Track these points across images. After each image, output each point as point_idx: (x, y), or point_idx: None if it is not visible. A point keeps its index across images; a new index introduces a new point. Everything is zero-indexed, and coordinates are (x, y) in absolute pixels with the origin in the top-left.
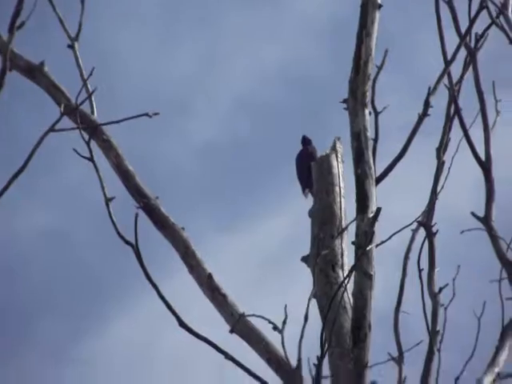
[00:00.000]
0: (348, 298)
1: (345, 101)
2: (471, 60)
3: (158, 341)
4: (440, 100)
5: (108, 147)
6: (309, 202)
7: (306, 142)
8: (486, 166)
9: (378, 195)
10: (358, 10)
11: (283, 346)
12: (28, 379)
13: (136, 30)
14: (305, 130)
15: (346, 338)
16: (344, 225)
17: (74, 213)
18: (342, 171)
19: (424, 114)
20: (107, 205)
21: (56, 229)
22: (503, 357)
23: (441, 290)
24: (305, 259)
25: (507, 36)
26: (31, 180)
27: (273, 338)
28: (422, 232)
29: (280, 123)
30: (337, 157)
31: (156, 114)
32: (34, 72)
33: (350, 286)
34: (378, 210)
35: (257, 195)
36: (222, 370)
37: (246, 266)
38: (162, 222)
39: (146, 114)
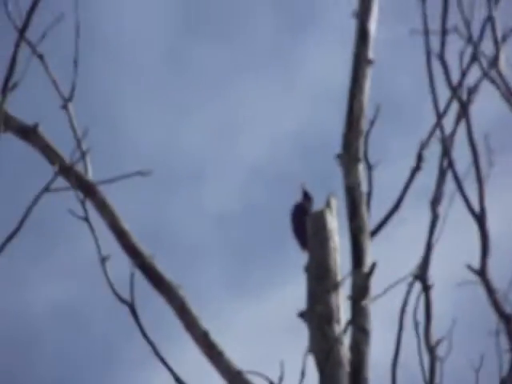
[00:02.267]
0: (345, 353)
1: (338, 156)
2: (464, 113)
3: None
4: (433, 153)
5: (103, 206)
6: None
7: (305, 195)
8: (480, 218)
9: (372, 249)
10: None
11: None
12: None
13: (141, 91)
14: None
15: None
16: (339, 279)
17: (88, 284)
18: (337, 226)
19: (417, 168)
20: (103, 263)
21: (68, 302)
22: None
23: (438, 343)
24: (301, 315)
25: (499, 89)
26: (44, 251)
27: None
28: (417, 285)
29: (295, 191)
30: (331, 212)
31: (149, 172)
32: (28, 133)
33: (347, 342)
34: (374, 264)
35: (272, 263)
36: None
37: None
38: (157, 280)
39: (140, 173)
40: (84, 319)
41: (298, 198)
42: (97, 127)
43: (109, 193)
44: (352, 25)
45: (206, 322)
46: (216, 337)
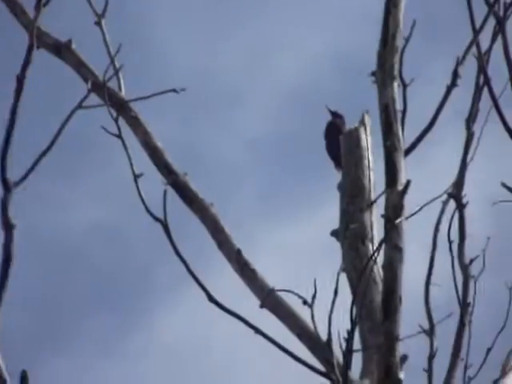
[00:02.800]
0: (378, 271)
1: (373, 73)
2: (500, 29)
3: (207, 333)
4: (469, 70)
5: (136, 124)
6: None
7: (334, 115)
8: None
9: (407, 167)
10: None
11: (313, 321)
12: (77, 372)
13: (176, 10)
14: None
15: (376, 311)
16: (373, 198)
17: (126, 206)
18: (371, 144)
19: (452, 85)
20: (135, 181)
21: (107, 223)
22: None
23: (471, 261)
24: (334, 233)
25: None
26: (81, 174)
27: (303, 312)
28: (452, 204)
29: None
30: (365, 130)
31: (183, 89)
32: (61, 50)
33: (380, 260)
34: (408, 182)
35: (304, 190)
36: (276, 362)
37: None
38: (190, 198)
39: (174, 90)
40: (122, 239)
41: (329, 117)
42: (131, 45)
43: (144, 111)
44: None
45: (240, 242)
46: (249, 256)
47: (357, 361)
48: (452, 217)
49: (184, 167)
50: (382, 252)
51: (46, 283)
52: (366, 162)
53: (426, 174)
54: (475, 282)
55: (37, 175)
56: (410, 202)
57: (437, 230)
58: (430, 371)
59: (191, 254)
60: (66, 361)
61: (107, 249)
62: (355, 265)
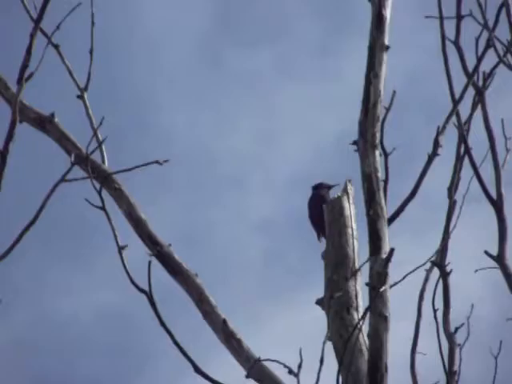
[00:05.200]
0: (364, 340)
1: (355, 143)
2: (479, 99)
3: None
4: (450, 139)
5: (120, 196)
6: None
7: (316, 187)
8: (497, 204)
9: (390, 236)
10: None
11: None
12: None
13: (175, 91)
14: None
15: (362, 380)
16: (357, 266)
17: (133, 291)
18: (354, 213)
19: (434, 154)
20: (120, 253)
21: (115, 308)
22: None
23: (456, 329)
24: (319, 302)
25: None
26: (90, 259)
27: (289, 382)
28: (435, 272)
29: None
30: (348, 199)
31: (166, 161)
32: (44, 123)
33: (366, 329)
34: (392, 250)
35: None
36: None
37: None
38: (175, 269)
39: (157, 162)
40: (129, 322)
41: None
42: (134, 125)
43: (145, 189)
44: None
45: (242, 320)
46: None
47: None
48: (436, 285)
49: (188, 250)
50: (367, 320)
51: (55, 368)
52: (350, 230)
53: (410, 242)
54: (460, 350)
55: (45, 261)
56: (394, 270)
57: (421, 297)
58: None
59: (177, 325)
60: None
61: (116, 334)
62: (341, 334)
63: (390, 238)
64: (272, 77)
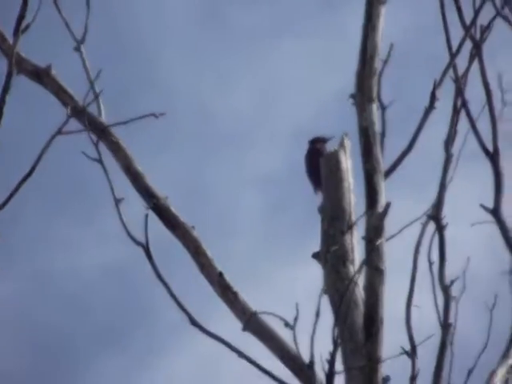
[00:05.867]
0: (359, 293)
1: (352, 96)
2: (477, 52)
3: (214, 373)
4: (446, 93)
5: (117, 149)
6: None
7: (312, 142)
8: (493, 157)
9: (386, 190)
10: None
11: (295, 343)
12: None
13: (175, 48)
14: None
15: (358, 333)
16: (354, 220)
17: (135, 247)
18: (351, 167)
19: (430, 107)
20: (117, 206)
21: (117, 264)
22: None
23: (452, 282)
24: (315, 255)
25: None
26: (89, 213)
27: (286, 335)
28: (431, 225)
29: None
30: (345, 152)
31: (162, 114)
32: (41, 75)
33: (362, 282)
34: (388, 204)
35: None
36: None
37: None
38: (172, 222)
39: (153, 115)
40: (131, 280)
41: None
42: (139, 84)
43: (148, 144)
44: None
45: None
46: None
47: (339, 382)
48: (432, 238)
49: (189, 206)
50: (363, 274)
51: (56, 323)
52: (346, 184)
53: (406, 195)
54: (456, 303)
55: (49, 218)
56: (390, 223)
57: (417, 251)
58: None
59: (175, 278)
60: None
61: (116, 289)
62: (337, 287)
63: (386, 191)
64: (273, 32)
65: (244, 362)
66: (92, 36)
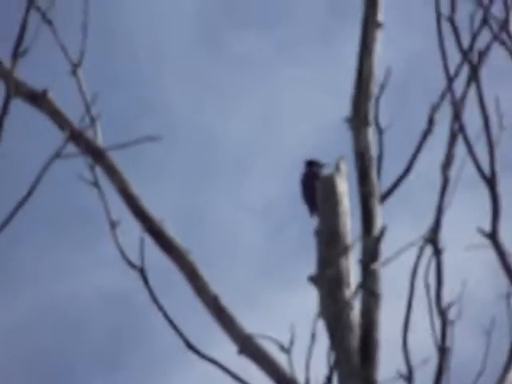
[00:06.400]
0: (355, 317)
1: (347, 120)
2: (474, 76)
3: None
4: (444, 117)
5: (113, 172)
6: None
7: (308, 163)
8: (491, 182)
9: (383, 213)
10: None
11: (291, 367)
12: None
13: (175, 73)
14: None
15: (354, 357)
16: (349, 244)
17: (133, 271)
18: (347, 190)
19: (428, 131)
20: (112, 229)
21: (115, 289)
22: None
23: (449, 306)
24: (311, 279)
25: (510, 52)
26: (90, 241)
27: (281, 358)
28: (428, 249)
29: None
30: (341, 176)
31: (159, 138)
32: (38, 99)
33: (358, 306)
34: (384, 228)
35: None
36: None
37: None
38: (167, 245)
39: (149, 139)
40: (129, 305)
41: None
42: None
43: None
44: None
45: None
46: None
47: None
48: (429, 262)
49: (189, 230)
50: (359, 297)
51: (57, 348)
52: (342, 208)
53: (403, 219)
54: (453, 327)
55: (49, 244)
56: (387, 247)
57: (414, 275)
58: None
59: (171, 303)
60: None
61: (115, 314)
62: (332, 310)
63: (383, 215)
64: (273, 60)
65: None
66: (89, 60)
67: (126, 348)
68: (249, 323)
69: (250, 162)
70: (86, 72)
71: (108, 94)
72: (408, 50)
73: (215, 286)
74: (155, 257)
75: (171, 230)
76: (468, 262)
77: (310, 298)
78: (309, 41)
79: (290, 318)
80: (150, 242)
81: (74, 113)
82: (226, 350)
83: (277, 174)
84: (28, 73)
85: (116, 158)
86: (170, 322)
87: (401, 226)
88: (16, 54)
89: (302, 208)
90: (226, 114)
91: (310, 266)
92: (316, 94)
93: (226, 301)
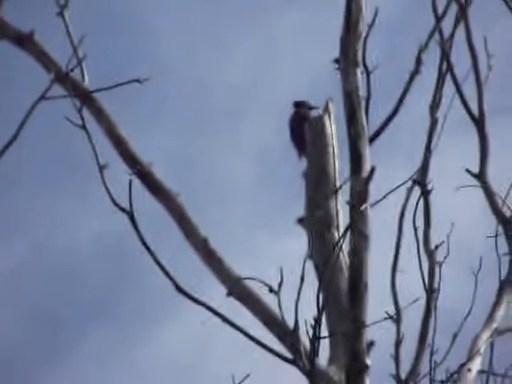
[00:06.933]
0: (344, 258)
1: (336, 60)
2: (462, 15)
3: (206, 345)
4: (432, 57)
5: (100, 114)
6: (303, 163)
7: (297, 105)
8: (479, 122)
9: (371, 155)
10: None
11: (280, 308)
12: None
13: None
14: None
15: (343, 298)
16: (338, 185)
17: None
18: (336, 132)
19: (416, 72)
20: (101, 172)
21: (112, 233)
22: (501, 312)
23: (437, 247)
24: (299, 221)
25: None
26: (85, 186)
27: (270, 300)
28: (416, 190)
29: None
30: (329, 117)
31: (146, 79)
32: (24, 41)
33: (346, 247)
34: (372, 169)
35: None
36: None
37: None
38: (156, 188)
39: (137, 80)
40: (124, 251)
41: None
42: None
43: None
44: None
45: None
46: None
47: (324, 348)
48: (417, 203)
49: (183, 177)
50: (347, 239)
51: (51, 295)
52: (331, 149)
53: (391, 160)
54: (440, 268)
55: (41, 190)
56: (375, 189)
57: (402, 216)
58: (396, 357)
59: (159, 245)
60: (65, 373)
61: (110, 261)
62: (321, 252)
63: (371, 157)
64: (269, 6)
65: (233, 330)
66: (79, 2)
67: (117, 293)
68: (238, 266)
69: (243, 107)
70: (75, 15)
71: (98, 39)
72: None
73: (205, 230)
74: (147, 201)
75: (163, 175)
76: (456, 203)
77: (299, 240)
78: None
79: (279, 261)
80: (139, 185)
81: (60, 55)
82: (215, 292)
83: (271, 119)
84: (14, 14)
85: (108, 103)
86: (160, 265)
87: (389, 167)
88: None
89: (295, 152)
90: (219, 60)
91: (298, 207)
92: (312, 39)
93: (215, 244)
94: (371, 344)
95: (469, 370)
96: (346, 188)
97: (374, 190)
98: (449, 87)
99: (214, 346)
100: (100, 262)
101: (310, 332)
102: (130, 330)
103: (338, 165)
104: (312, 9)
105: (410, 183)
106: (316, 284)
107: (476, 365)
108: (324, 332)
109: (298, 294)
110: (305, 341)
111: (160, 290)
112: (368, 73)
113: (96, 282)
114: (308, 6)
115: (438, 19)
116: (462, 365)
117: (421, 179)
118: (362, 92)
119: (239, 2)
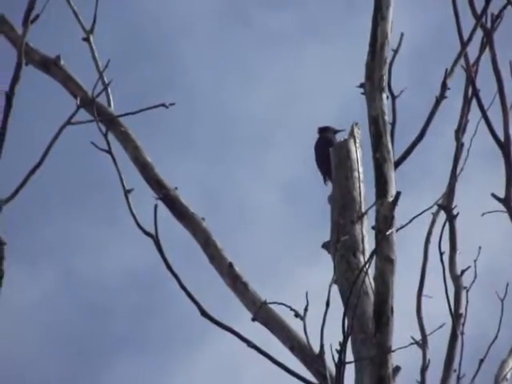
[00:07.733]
0: (370, 283)
1: (361, 85)
2: (488, 40)
3: (240, 374)
4: (457, 82)
5: (126, 139)
6: (329, 188)
7: (322, 130)
8: (505, 146)
9: (397, 179)
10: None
11: (305, 333)
12: None
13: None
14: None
15: (368, 323)
16: (364, 210)
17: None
18: (361, 156)
19: (441, 97)
20: (126, 196)
21: (142, 266)
22: None
23: (463, 272)
24: (325, 245)
25: None
26: (117, 218)
27: (295, 325)
28: (442, 215)
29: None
30: (355, 142)
31: (172, 104)
32: (50, 66)
33: (372, 272)
34: (398, 194)
35: None
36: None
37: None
38: (181, 213)
39: (163, 105)
40: (152, 279)
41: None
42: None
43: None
44: None
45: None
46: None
47: (349, 373)
48: (443, 228)
49: (210, 205)
50: (373, 264)
51: (83, 323)
52: (356, 173)
53: (417, 185)
54: (467, 293)
55: (73, 219)
56: (401, 213)
57: (428, 241)
58: (422, 382)
59: (183, 269)
60: None
61: (138, 290)
62: (347, 277)
63: (397, 181)
64: (298, 36)
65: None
66: (105, 27)
67: (145, 322)
68: (264, 291)
69: (271, 136)
70: (102, 41)
71: (125, 65)
72: (422, 15)
73: (230, 255)
74: (173, 226)
75: (189, 200)
76: (482, 228)
77: (325, 265)
78: (334, 16)
79: (305, 286)
80: (165, 210)
81: (86, 80)
82: (241, 317)
83: (297, 147)
84: (40, 40)
85: (135, 128)
86: (185, 289)
87: (416, 192)
88: (27, 20)
89: (320, 177)
90: (247, 89)
91: (323, 232)
92: (339, 69)
93: (240, 268)
94: (397, 369)
95: None
96: (372, 212)
97: (400, 215)
98: (475, 112)
99: (243, 372)
100: (128, 292)
101: (336, 357)
102: (159, 360)
103: (364, 189)
104: (337, 40)
105: (435, 208)
106: (341, 309)
107: None
108: (349, 357)
109: (324, 318)
110: (330, 366)
111: (186, 315)
112: (394, 97)
113: (124, 312)
114: (329, 37)
115: (464, 44)
116: None
117: (446, 204)
118: (388, 117)
119: (266, 30)
